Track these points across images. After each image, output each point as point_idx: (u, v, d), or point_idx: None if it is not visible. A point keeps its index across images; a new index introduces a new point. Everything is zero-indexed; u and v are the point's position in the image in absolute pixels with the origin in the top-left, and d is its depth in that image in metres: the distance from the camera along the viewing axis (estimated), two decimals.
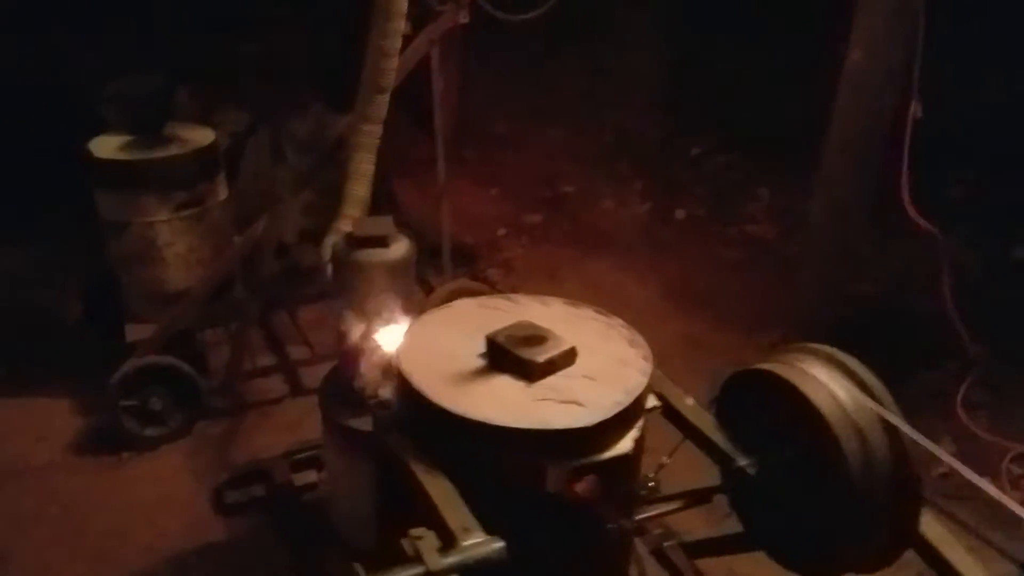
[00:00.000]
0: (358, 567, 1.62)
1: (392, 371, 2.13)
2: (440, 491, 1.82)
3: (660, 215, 5.52)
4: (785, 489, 1.94)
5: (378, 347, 2.29)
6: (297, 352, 4.06)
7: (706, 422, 2.07)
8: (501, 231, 5.29)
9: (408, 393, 2.00)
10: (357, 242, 2.56)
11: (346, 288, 2.60)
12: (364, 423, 2.68)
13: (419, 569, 1.62)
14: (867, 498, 1.79)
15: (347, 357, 2.51)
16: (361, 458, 2.72)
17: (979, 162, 4.68)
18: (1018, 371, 3.76)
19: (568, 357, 2.06)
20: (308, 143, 4.42)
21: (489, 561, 1.67)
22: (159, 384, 3.44)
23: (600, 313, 2.31)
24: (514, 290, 4.50)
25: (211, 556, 2.96)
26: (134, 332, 3.55)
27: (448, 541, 1.69)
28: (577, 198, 5.78)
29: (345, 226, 3.26)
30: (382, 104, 3.27)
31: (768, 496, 1.98)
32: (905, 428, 1.81)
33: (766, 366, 1.99)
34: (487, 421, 1.86)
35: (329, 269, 2.98)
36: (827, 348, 1.99)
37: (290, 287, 4.20)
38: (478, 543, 1.68)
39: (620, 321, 2.27)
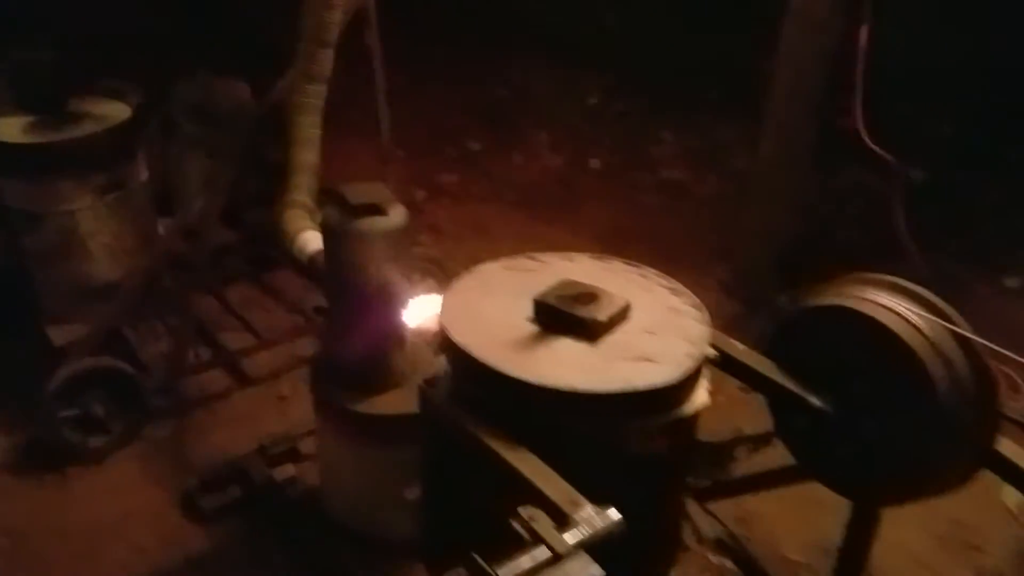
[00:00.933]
0: (477, 557, 1.48)
1: (436, 345, 1.96)
2: (531, 467, 1.69)
3: (575, 166, 5.46)
4: (862, 422, 1.91)
5: (412, 322, 2.11)
6: (234, 340, 3.76)
7: (768, 366, 2.01)
8: (420, 194, 5.08)
9: (467, 366, 1.84)
10: (354, 211, 2.34)
11: (343, 262, 2.39)
12: (368, 406, 2.51)
13: (544, 552, 1.49)
14: (955, 420, 1.79)
15: (365, 335, 2.31)
16: (366, 443, 2.55)
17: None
18: (952, 290, 3.92)
19: (624, 313, 1.96)
20: (198, 109, 4.08)
21: (610, 534, 1.57)
22: (99, 389, 3.09)
23: (630, 264, 2.22)
24: (449, 254, 4.33)
25: (198, 567, 2.71)
26: (61, 334, 3.19)
27: (560, 518, 1.57)
28: (487, 154, 5.63)
29: (298, 196, 3.02)
30: (326, 60, 3.04)
31: (841, 431, 1.95)
32: (985, 344, 1.81)
33: (837, 302, 1.95)
34: (569, 388, 1.74)
35: (299, 244, 2.76)
36: (888, 277, 1.97)
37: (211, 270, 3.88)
38: (593, 516, 1.57)
39: (653, 270, 2.19)
